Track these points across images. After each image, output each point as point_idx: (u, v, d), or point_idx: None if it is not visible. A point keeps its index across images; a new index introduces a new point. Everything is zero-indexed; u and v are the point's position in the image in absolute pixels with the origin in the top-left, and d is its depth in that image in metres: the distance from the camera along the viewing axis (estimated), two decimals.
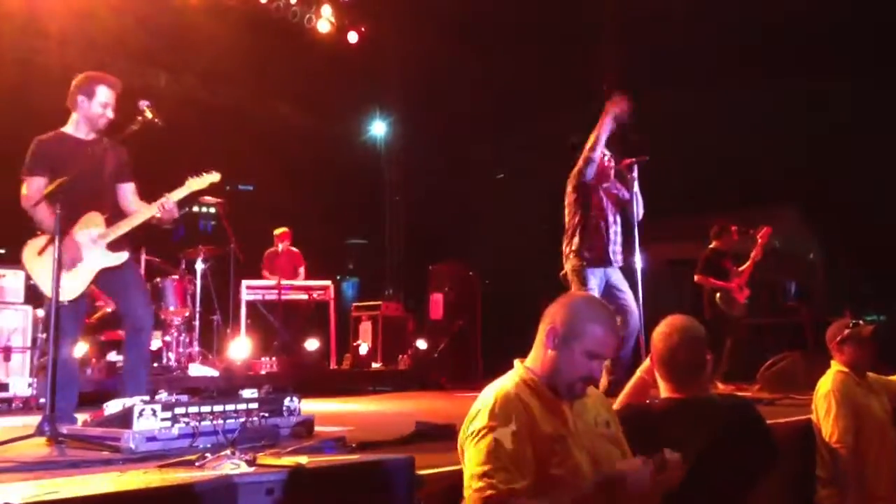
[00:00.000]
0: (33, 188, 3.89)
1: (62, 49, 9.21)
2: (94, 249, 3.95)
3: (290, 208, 10.13)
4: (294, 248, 9.21)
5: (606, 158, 5.76)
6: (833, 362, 4.22)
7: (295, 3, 10.53)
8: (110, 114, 4.07)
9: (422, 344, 9.13)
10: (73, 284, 3.88)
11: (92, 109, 4.03)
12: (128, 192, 4.21)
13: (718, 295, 7.09)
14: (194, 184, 4.17)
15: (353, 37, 11.39)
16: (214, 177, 4.25)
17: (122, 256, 4.04)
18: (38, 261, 3.87)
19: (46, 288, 3.82)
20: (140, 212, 4.08)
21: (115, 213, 4.11)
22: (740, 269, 7.21)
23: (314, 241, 9.74)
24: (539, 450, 2.11)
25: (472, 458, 2.10)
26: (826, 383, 4.11)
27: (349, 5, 11.29)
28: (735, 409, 2.96)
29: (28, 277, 4.26)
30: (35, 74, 8.80)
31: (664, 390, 2.90)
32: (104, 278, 4.00)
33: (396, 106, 13.58)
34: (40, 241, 3.91)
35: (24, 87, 8.42)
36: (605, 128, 5.57)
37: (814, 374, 4.43)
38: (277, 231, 9.20)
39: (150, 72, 10.20)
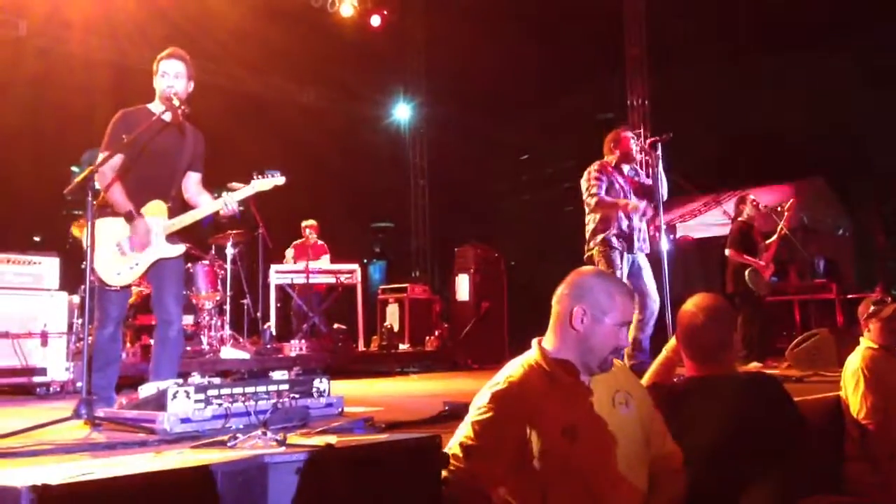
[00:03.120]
0: (108, 166, 3.83)
1: (84, 38, 9.33)
2: (155, 239, 3.96)
3: (317, 193, 10.19)
4: (320, 242, 9.29)
5: (632, 141, 5.68)
6: (862, 338, 4.19)
7: None
8: (174, 83, 3.96)
9: (448, 325, 9.19)
10: (131, 272, 3.91)
11: (158, 85, 4.01)
12: (194, 181, 4.20)
13: (748, 272, 6.98)
14: (259, 185, 4.10)
15: (376, 20, 11.40)
16: (279, 179, 4.14)
17: (180, 249, 4.05)
18: (98, 244, 3.76)
19: (101, 272, 3.85)
20: (203, 207, 4.07)
21: (177, 204, 4.10)
22: (767, 242, 7.12)
23: (341, 225, 9.81)
24: (539, 440, 2.15)
25: (464, 427, 2.22)
26: (855, 360, 4.08)
27: None
28: (759, 385, 2.95)
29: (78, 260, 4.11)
30: (64, 64, 8.94)
31: (689, 369, 2.90)
32: (152, 266, 3.99)
33: (421, 89, 13.57)
34: (108, 223, 3.89)
35: (46, 76, 8.56)
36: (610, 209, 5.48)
37: (843, 351, 4.40)
38: (305, 223, 9.27)
39: None
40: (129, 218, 3.89)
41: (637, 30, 10.82)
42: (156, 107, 4.06)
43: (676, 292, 5.11)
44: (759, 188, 7.73)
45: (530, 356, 2.34)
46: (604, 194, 5.50)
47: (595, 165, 5.63)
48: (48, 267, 5.93)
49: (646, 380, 3.11)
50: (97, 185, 3.69)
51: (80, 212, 6.32)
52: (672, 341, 3.12)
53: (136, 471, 1.75)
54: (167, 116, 3.98)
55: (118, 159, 3.89)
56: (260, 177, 4.12)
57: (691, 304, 2.89)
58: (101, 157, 3.77)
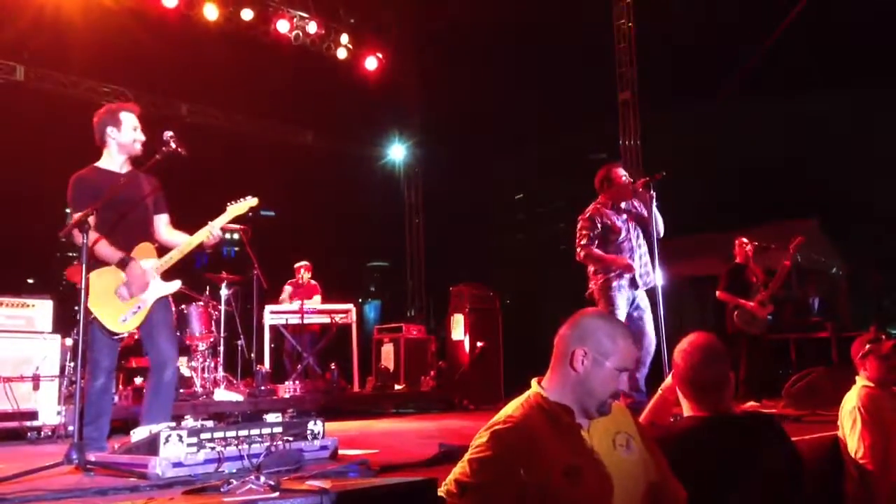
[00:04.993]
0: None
1: (81, 81, 9.43)
2: (152, 280, 3.96)
3: (312, 232, 10.23)
4: (313, 282, 9.31)
5: (625, 178, 5.70)
6: (858, 377, 4.18)
7: (314, 31, 10.70)
8: (141, 135, 4.09)
9: (443, 365, 9.14)
10: (136, 317, 3.90)
11: (123, 136, 4.05)
12: (163, 223, 4.23)
13: (737, 313, 7.03)
14: (234, 209, 4.19)
15: (371, 63, 11.55)
16: (252, 201, 4.25)
17: (176, 285, 4.07)
18: (95, 295, 3.82)
19: (106, 320, 3.83)
20: (190, 239, 4.09)
21: (160, 244, 4.14)
22: (769, 283, 7.13)
23: (336, 265, 9.83)
24: (539, 482, 2.12)
25: (462, 464, 2.19)
26: (852, 399, 4.07)
27: (367, 32, 11.45)
28: (758, 425, 2.94)
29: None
30: (62, 108, 9.02)
31: (686, 409, 2.89)
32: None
33: (415, 129, 13.70)
34: (104, 272, 3.89)
35: (51, 120, 8.63)
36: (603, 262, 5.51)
37: (840, 390, 4.38)
38: (299, 264, 9.31)
39: (173, 103, 10.38)
40: (123, 264, 3.88)
41: (628, 73, 10.97)
42: (109, 162, 4.11)
43: (671, 330, 5.12)
44: (751, 229, 7.76)
45: (530, 396, 2.32)
46: (594, 245, 5.50)
47: (589, 211, 5.61)
48: (41, 310, 5.90)
49: (642, 419, 3.09)
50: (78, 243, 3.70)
51: (74, 254, 6.32)
52: (668, 380, 3.11)
53: None
54: (125, 169, 4.07)
55: (90, 219, 3.86)
56: (233, 202, 4.20)
57: (687, 342, 2.89)
58: (73, 217, 3.75)
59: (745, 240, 7.34)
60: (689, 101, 10.83)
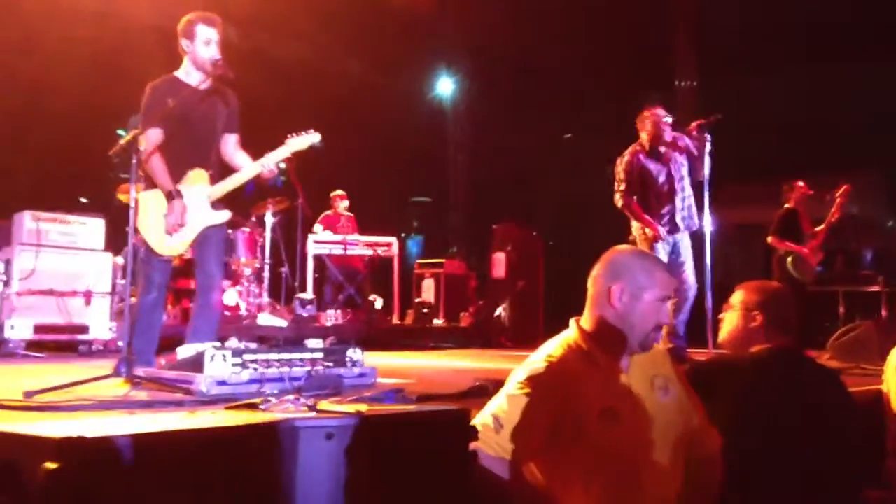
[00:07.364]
0: (150, 141, 3.84)
1: (135, 2, 9.42)
2: (200, 208, 3.96)
3: (357, 164, 10.21)
4: (349, 213, 9.29)
5: (663, 119, 5.48)
6: None
7: None
8: (215, 50, 3.94)
9: (484, 302, 9.18)
10: (181, 241, 3.93)
11: (197, 51, 3.95)
12: (231, 143, 4.18)
13: (791, 259, 6.86)
14: (295, 143, 4.06)
15: None
16: (314, 136, 4.09)
17: (225, 215, 4.06)
18: (145, 215, 3.88)
19: (152, 241, 3.90)
20: (244, 171, 4.05)
21: (217, 170, 4.09)
22: (816, 230, 6.95)
23: (379, 198, 9.83)
24: (575, 422, 2.13)
25: (499, 399, 2.20)
26: None
27: None
28: (826, 370, 2.98)
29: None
30: (110, 27, 9.04)
31: (768, 339, 2.81)
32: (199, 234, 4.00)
33: (464, 64, 13.47)
34: (156, 194, 3.93)
35: (100, 39, 8.67)
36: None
37: (887, 345, 4.27)
38: (334, 193, 9.25)
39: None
40: (170, 197, 3.89)
41: (687, 8, 10.58)
42: (186, 74, 4.03)
43: (717, 278, 5.03)
44: (809, 177, 7.51)
45: (569, 335, 2.31)
46: (633, 192, 5.41)
47: (627, 155, 5.48)
48: (93, 228, 6.05)
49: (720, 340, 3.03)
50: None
51: (125, 175, 6.42)
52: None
53: (170, 427, 1.77)
54: (205, 86, 3.98)
55: (159, 135, 3.89)
56: (294, 135, 4.09)
57: (761, 284, 2.96)
58: (145, 134, 3.75)
59: (801, 183, 7.12)
60: (752, 45, 10.41)
